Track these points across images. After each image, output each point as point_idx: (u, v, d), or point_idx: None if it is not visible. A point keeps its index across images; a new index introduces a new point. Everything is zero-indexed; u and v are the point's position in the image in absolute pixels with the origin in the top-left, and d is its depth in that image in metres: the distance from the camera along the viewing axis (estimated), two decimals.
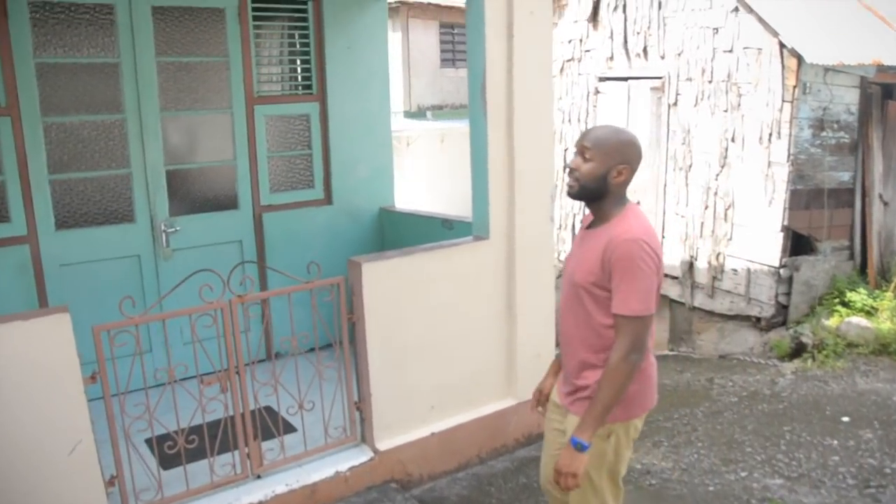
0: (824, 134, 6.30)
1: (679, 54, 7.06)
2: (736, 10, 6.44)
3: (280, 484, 3.27)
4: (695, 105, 6.95)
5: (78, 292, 3.98)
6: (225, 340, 3.11)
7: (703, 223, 6.99)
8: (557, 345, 2.65)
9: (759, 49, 6.27)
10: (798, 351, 5.85)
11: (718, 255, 6.85)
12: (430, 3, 14.24)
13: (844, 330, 5.82)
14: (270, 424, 3.36)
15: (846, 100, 6.37)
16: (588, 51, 8.22)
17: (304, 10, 4.62)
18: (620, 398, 2.20)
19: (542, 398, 2.66)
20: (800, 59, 5.92)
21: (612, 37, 7.84)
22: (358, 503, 3.39)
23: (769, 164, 6.31)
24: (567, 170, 2.32)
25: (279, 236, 4.67)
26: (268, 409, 3.42)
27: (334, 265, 3.90)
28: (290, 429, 3.50)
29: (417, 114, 14.29)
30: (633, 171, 2.29)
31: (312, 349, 3.36)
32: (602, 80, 8.04)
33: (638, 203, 7.44)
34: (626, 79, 7.71)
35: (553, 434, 2.54)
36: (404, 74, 15.06)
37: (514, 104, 3.73)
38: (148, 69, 4.10)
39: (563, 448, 2.25)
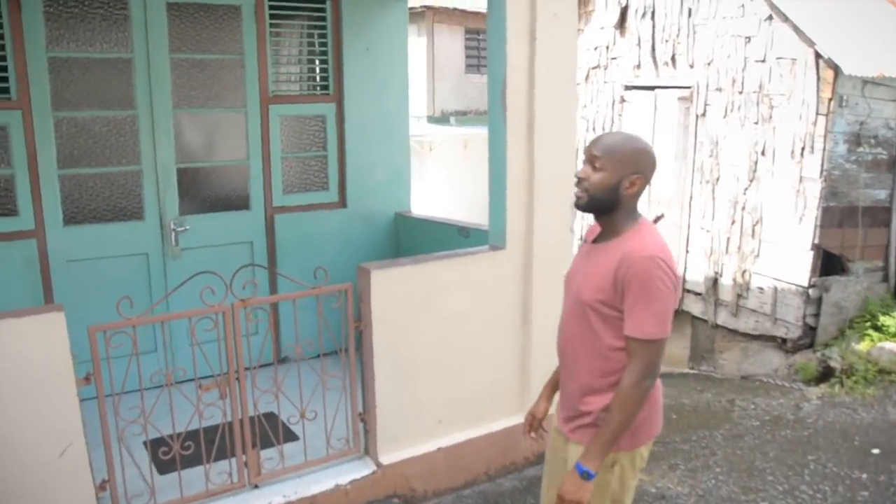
0: (860, 149, 6.09)
1: (709, 63, 6.88)
2: (770, 18, 6.25)
3: (278, 495, 3.17)
4: (724, 116, 6.77)
5: (84, 289, 3.94)
6: (226, 345, 3.02)
7: (729, 238, 6.81)
8: None
9: (794, 59, 6.08)
10: (825, 375, 5.65)
11: (744, 272, 6.65)
12: (455, 9, 14.19)
13: (876, 355, 5.58)
14: (270, 432, 3.25)
15: (885, 114, 6.14)
16: (614, 58, 8.07)
17: (323, 10, 4.53)
18: (630, 426, 2.05)
19: (534, 423, 2.49)
20: (837, 70, 5.72)
21: (639, 44, 7.68)
22: None
23: (801, 179, 6.11)
24: (576, 179, 2.16)
25: (291, 239, 4.58)
26: (269, 415, 3.31)
27: (347, 270, 3.79)
28: (291, 436, 3.40)
29: (441, 119, 14.24)
30: (646, 181, 2.13)
31: (319, 356, 3.26)
32: (628, 88, 7.89)
33: (663, 216, 7.37)
34: (652, 88, 7.55)
35: (555, 460, 2.38)
36: (429, 79, 15.02)
37: (535, 109, 3.61)
38: (161, 65, 4.04)
39: (567, 475, 2.09)
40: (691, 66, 7.10)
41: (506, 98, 3.55)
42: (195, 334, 2.93)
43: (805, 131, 6.03)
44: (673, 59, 7.30)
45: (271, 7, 4.35)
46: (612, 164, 2.08)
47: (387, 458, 3.44)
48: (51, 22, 3.76)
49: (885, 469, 4.09)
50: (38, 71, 3.73)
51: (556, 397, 2.44)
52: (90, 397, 2.78)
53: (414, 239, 4.84)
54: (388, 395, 3.39)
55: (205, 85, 4.26)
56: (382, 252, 4.86)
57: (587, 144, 2.18)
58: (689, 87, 7.10)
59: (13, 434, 2.59)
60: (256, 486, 3.19)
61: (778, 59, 6.22)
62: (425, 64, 14.94)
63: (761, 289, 6.51)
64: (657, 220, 7.52)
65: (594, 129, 8.32)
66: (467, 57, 15.37)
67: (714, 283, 6.98)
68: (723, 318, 6.94)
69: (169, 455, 2.98)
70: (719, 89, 6.80)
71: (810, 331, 6.18)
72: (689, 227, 7.25)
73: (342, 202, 4.78)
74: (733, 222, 6.75)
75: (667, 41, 7.35)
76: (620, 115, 8.02)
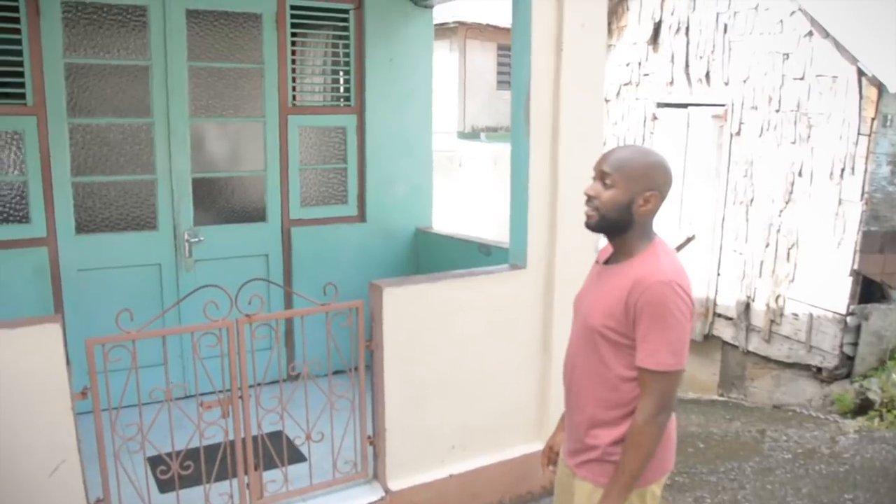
0: None
1: (744, 81, 6.67)
2: (810, 34, 6.03)
3: None
4: (759, 135, 6.54)
5: (94, 299, 3.88)
6: (229, 361, 2.90)
7: (762, 262, 6.56)
8: None
9: (835, 77, 5.85)
10: (863, 408, 5.39)
11: (778, 297, 6.39)
12: (488, 25, 14.15)
13: None
14: (274, 453, 3.12)
15: None
16: (646, 74, 7.90)
17: (346, 20, 4.45)
18: (648, 463, 1.88)
19: (552, 455, 2.33)
20: (881, 88, 5.49)
21: (672, 60, 7.50)
22: None
23: (840, 201, 5.86)
24: (585, 197, 2.00)
25: (308, 252, 4.48)
26: (275, 434, 3.18)
27: (365, 286, 3.65)
28: (297, 456, 3.27)
29: (471, 135, 14.17)
30: (662, 198, 1.96)
31: (327, 374, 3.13)
32: (660, 105, 7.70)
33: (693, 237, 7.15)
34: (685, 105, 7.36)
35: (562, 493, 2.21)
36: (460, 95, 14.98)
37: (561, 122, 3.46)
38: (179, 73, 3.98)
39: None
40: (726, 84, 6.89)
41: (529, 109, 3.40)
42: (198, 349, 2.82)
43: (845, 152, 5.78)
44: (707, 75, 7.10)
45: (293, 16, 4.28)
46: (624, 180, 1.92)
47: (396, 484, 3.29)
48: (69, 28, 3.72)
49: None
50: (54, 77, 3.69)
51: None
52: (89, 411, 2.68)
53: (434, 256, 4.71)
54: (399, 418, 3.24)
55: (223, 94, 4.19)
56: (401, 268, 4.73)
57: (598, 160, 2.02)
58: (723, 105, 6.89)
59: (3, 449, 2.49)
60: None
61: (818, 76, 6.00)
62: (457, 79, 14.90)
63: (796, 315, 6.25)
64: (688, 241, 7.29)
65: None
66: (499, 73, 15.32)
67: (746, 307, 6.72)
68: (754, 345, 6.67)
69: (168, 474, 2.86)
70: (755, 107, 6.59)
71: (848, 360, 5.89)
72: (721, 249, 7.01)
73: (361, 216, 4.67)
74: (767, 245, 6.50)
75: (701, 57, 7.16)
76: (652, 133, 7.83)
